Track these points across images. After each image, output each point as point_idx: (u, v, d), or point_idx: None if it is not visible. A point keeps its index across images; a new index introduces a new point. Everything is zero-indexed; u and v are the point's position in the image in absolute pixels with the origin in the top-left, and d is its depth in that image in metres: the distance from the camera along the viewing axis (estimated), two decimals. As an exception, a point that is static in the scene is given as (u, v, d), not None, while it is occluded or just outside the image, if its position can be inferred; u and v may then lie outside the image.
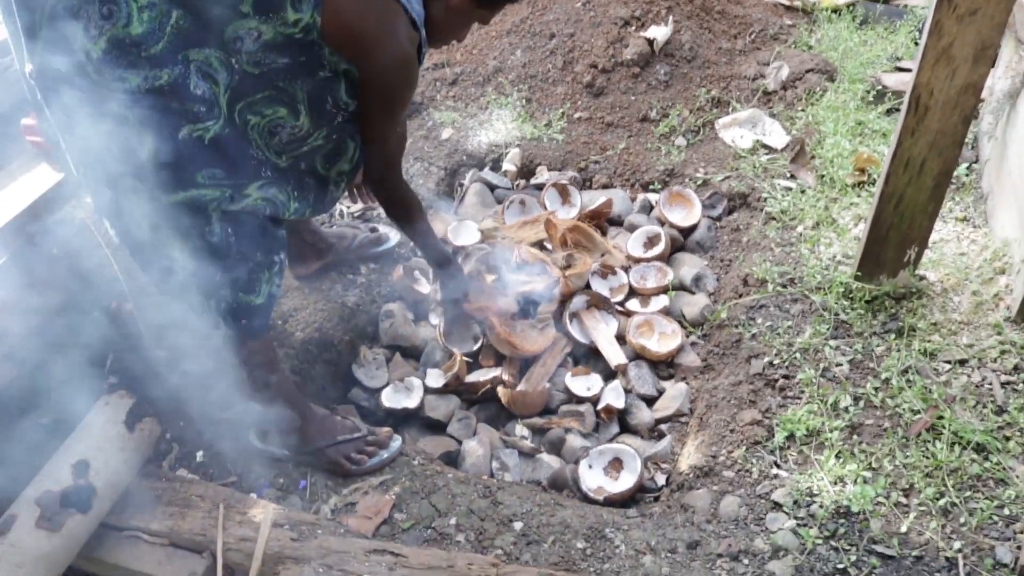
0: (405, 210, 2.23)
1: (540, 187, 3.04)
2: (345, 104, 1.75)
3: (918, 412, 2.04)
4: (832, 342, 2.26)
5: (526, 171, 3.21)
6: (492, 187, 3.10)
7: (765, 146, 3.11)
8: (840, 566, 1.77)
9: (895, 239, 2.21)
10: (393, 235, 2.79)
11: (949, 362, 2.16)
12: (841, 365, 2.20)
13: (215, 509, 1.85)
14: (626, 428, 2.36)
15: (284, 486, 2.02)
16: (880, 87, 3.24)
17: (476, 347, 2.50)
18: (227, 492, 1.92)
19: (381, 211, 2.96)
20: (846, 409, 2.09)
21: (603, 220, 2.95)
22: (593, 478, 2.14)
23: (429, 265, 2.56)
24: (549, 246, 2.81)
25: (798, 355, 2.24)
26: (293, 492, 2.01)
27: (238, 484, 2.02)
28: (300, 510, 1.94)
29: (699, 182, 3.05)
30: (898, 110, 3.18)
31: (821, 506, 1.88)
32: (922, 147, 2.01)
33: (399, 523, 1.92)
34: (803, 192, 2.86)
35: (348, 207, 2.99)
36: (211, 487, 1.93)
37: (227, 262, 1.74)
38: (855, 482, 1.92)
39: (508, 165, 3.20)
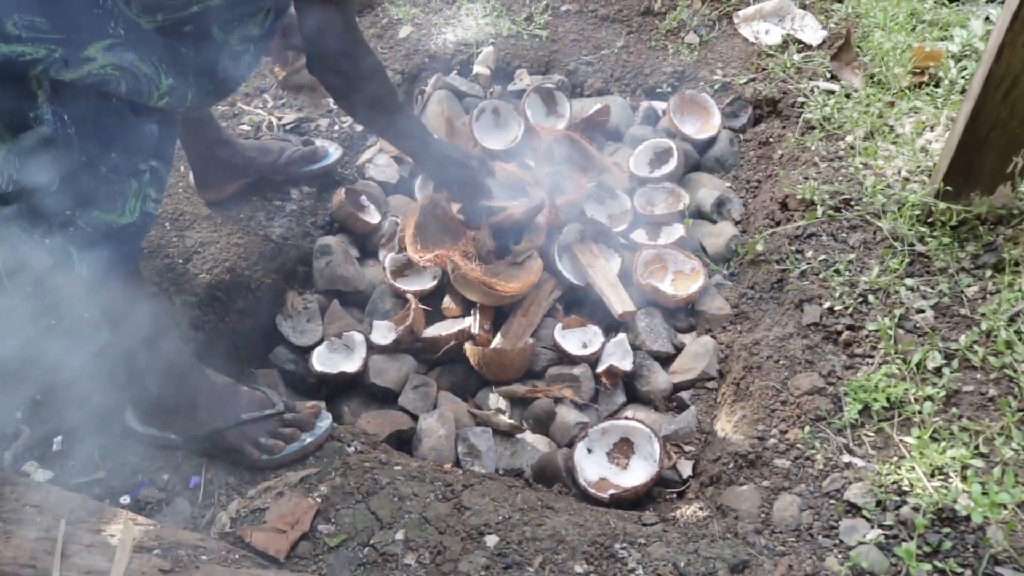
0: (377, 92, 1.64)
1: (520, 95, 2.44)
2: None
3: (1037, 375, 1.50)
4: (908, 281, 1.70)
5: (502, 75, 2.61)
6: (460, 94, 2.50)
7: (798, 41, 2.51)
8: (951, 597, 1.24)
9: (999, 141, 1.64)
10: (333, 150, 2.20)
11: (1067, 306, 1.62)
12: (923, 312, 1.64)
13: (55, 526, 1.28)
14: (635, 397, 1.81)
15: (169, 485, 1.48)
16: (936, -29, 2.63)
17: (431, 285, 1.93)
18: (77, 500, 1.36)
19: (319, 121, 2.35)
20: (938, 371, 1.54)
21: (598, 133, 2.36)
22: (594, 467, 1.59)
23: (429, 175, 1.96)
24: (531, 163, 2.22)
25: (865, 299, 1.69)
26: (181, 493, 1.45)
27: (104, 483, 1.45)
28: (186, 521, 1.38)
29: (716, 86, 2.46)
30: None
31: (916, 509, 1.35)
32: (1059, 3, 1.44)
33: (324, 538, 1.36)
34: (848, 96, 2.28)
35: (279, 118, 2.37)
36: (54, 493, 1.36)
37: (67, 164, 1.20)
38: (961, 475, 1.38)
39: (480, 68, 2.59)
